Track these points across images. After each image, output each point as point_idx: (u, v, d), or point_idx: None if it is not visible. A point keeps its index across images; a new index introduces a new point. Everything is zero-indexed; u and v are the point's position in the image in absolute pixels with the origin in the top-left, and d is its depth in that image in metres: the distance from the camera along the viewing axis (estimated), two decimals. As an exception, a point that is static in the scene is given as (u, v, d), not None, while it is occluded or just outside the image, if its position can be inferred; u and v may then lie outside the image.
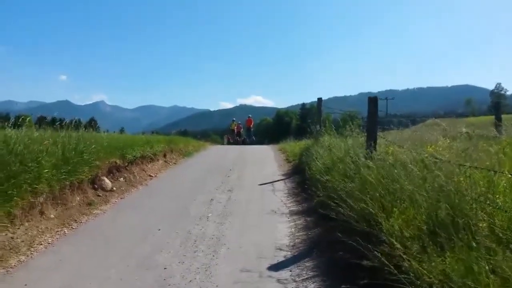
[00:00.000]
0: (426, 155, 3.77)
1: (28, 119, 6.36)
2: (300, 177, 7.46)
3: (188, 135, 26.69)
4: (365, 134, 5.46)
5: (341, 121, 7.81)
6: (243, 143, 24.64)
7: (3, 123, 5.87)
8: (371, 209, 3.29)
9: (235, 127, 26.64)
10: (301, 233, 4.53)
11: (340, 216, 3.79)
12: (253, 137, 27.55)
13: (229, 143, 25.03)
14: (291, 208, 5.66)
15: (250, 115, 28.58)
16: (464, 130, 4.34)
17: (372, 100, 5.36)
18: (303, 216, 5.20)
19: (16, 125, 5.96)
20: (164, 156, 10.93)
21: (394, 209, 3.15)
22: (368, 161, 4.47)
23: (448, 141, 4.24)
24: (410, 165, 3.65)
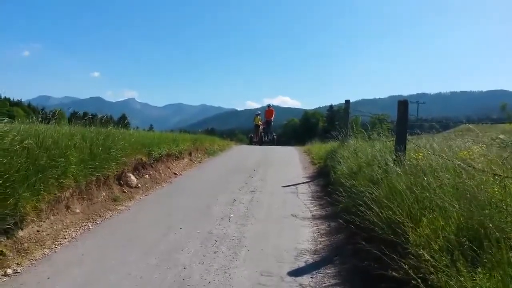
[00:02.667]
0: (459, 162, 3.59)
1: (57, 111, 6.47)
2: (325, 180, 7.33)
3: (215, 133, 26.18)
4: (394, 138, 5.29)
5: (369, 124, 7.63)
6: (262, 143, 21.18)
7: (36, 117, 5.97)
8: (398, 218, 3.16)
9: (260, 123, 22.46)
10: (323, 239, 4.42)
11: (364, 223, 3.68)
12: (273, 134, 22.65)
13: (251, 142, 21.62)
14: (314, 212, 5.55)
15: (270, 105, 23.54)
16: (500, 136, 4.13)
17: (402, 103, 5.19)
18: (326, 220, 5.08)
19: (47, 119, 6.06)
20: (190, 154, 11.00)
21: (423, 218, 3.02)
22: (397, 167, 4.32)
23: (484, 148, 4.03)
24: (441, 173, 3.50)
